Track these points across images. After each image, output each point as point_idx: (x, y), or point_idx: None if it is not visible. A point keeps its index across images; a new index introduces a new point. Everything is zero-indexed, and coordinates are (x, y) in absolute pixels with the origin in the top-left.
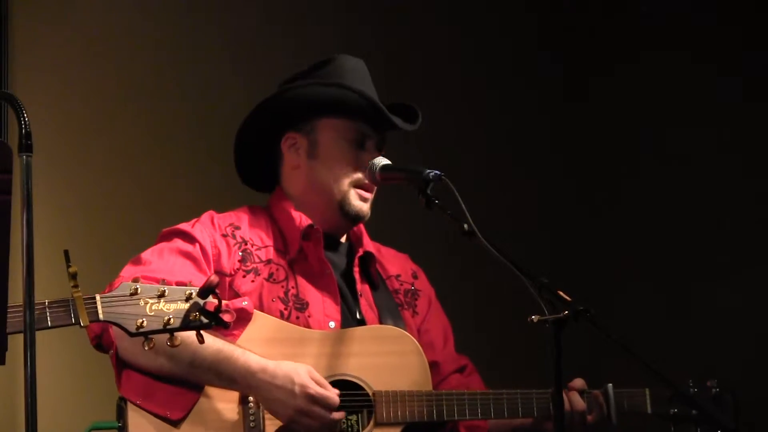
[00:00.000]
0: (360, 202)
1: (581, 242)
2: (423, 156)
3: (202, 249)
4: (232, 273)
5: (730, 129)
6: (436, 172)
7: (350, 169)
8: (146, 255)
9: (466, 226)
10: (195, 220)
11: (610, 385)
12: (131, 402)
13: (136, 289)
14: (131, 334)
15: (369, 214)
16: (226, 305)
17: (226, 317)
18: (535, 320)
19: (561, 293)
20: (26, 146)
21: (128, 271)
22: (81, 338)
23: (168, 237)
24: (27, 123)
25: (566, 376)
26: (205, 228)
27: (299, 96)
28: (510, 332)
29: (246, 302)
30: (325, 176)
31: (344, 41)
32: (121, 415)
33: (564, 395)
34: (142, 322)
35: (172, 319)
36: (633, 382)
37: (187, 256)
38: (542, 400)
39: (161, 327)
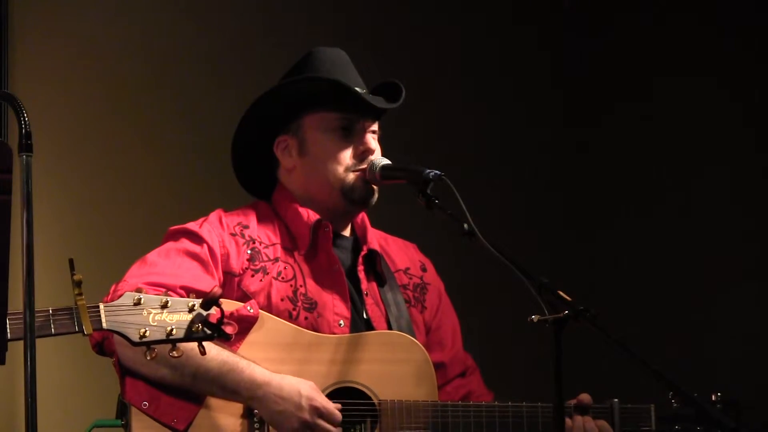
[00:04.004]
0: (362, 184)
1: (581, 243)
2: (423, 156)
3: (210, 250)
4: (241, 272)
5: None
6: (437, 171)
7: (342, 158)
8: (152, 256)
9: (466, 226)
10: (203, 219)
11: (616, 400)
12: (136, 407)
13: (140, 299)
14: (134, 344)
15: (375, 199)
16: (230, 315)
17: (228, 329)
18: (535, 320)
19: (561, 293)
20: (26, 146)
21: (134, 273)
22: (83, 337)
23: (175, 236)
24: (27, 123)
25: (566, 379)
26: (214, 228)
27: (277, 98)
28: (510, 332)
29: (251, 308)
30: (319, 170)
31: (341, 43)
32: (124, 412)
33: (576, 416)
34: (145, 331)
35: (174, 330)
36: (632, 383)
37: (194, 257)
38: (547, 415)
39: (164, 337)
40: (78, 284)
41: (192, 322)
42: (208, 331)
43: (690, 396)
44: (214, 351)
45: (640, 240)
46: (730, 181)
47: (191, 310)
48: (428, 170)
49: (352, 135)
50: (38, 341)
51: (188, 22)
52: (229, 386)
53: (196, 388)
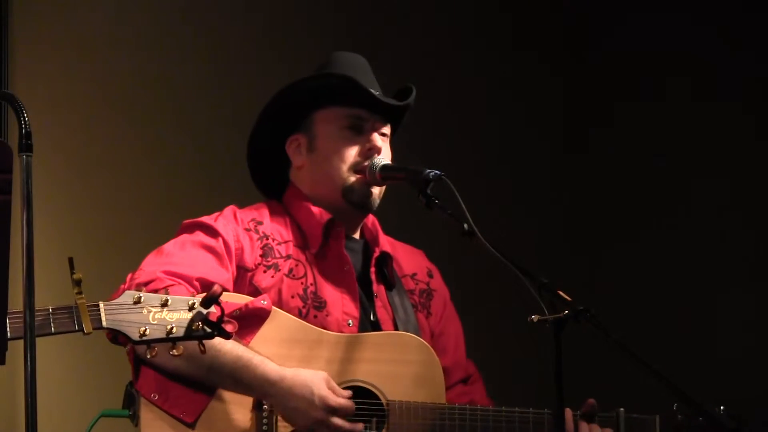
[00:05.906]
0: (360, 186)
1: (582, 243)
2: (423, 156)
3: (225, 244)
4: (254, 268)
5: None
6: (437, 171)
7: (348, 155)
8: (168, 247)
9: (466, 226)
10: (218, 213)
11: (622, 410)
12: (146, 398)
13: (140, 297)
14: (134, 342)
15: (377, 204)
16: (243, 306)
17: (229, 327)
18: (535, 320)
19: (561, 293)
20: (26, 146)
21: (150, 262)
22: (83, 336)
23: (190, 229)
24: (27, 123)
25: (566, 379)
26: (228, 222)
27: (290, 96)
28: (510, 332)
29: (265, 301)
30: (325, 167)
31: (341, 43)
32: (132, 402)
33: (582, 423)
34: (145, 330)
35: (174, 328)
36: (632, 384)
37: (210, 250)
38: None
39: (164, 336)
40: (78, 283)
41: (192, 321)
42: (208, 330)
43: (694, 400)
44: (229, 345)
45: (640, 239)
46: (731, 183)
47: (191, 308)
48: (428, 170)
49: (361, 133)
50: (38, 340)
51: (188, 22)
52: (243, 382)
53: (209, 381)
